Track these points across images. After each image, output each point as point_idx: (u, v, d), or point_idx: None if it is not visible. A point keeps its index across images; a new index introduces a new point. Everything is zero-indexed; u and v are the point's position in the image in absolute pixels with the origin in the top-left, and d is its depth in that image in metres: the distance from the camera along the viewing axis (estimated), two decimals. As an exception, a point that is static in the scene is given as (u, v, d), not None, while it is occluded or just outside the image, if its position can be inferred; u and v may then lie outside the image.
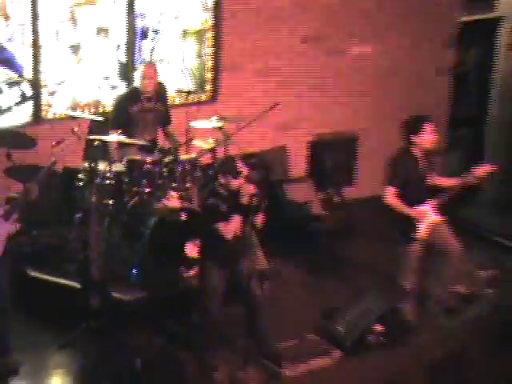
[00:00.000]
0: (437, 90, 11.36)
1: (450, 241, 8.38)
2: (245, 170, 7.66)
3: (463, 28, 11.56)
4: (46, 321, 8.14)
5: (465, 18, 11.59)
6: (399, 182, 8.17)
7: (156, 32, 10.02)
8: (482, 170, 8.40)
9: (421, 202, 8.24)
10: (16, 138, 8.69)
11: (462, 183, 8.37)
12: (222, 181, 7.78)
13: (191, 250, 8.29)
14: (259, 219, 7.80)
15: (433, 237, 8.32)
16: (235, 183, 7.65)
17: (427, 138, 8.20)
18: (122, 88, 9.81)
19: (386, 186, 8.21)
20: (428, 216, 8.26)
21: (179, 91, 10.14)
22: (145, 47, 9.97)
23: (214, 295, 7.72)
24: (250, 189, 7.66)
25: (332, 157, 10.91)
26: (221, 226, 7.59)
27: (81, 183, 8.66)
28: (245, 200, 7.59)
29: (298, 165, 10.80)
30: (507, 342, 8.52)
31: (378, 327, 8.06)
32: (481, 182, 8.51)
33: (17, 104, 9.34)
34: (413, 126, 8.27)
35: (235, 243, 7.65)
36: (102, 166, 8.58)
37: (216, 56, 10.29)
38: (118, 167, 8.67)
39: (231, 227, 7.59)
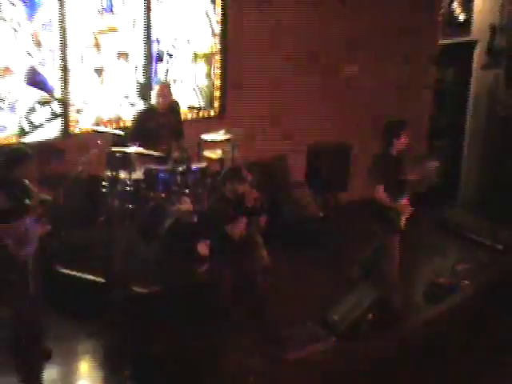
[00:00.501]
0: (420, 102, 11.34)
1: None
2: (249, 177, 7.67)
3: (443, 49, 11.54)
4: (74, 312, 8.14)
5: (444, 41, 11.58)
6: (384, 179, 8.18)
7: (170, 55, 10.02)
8: (432, 165, 8.46)
9: (400, 197, 8.25)
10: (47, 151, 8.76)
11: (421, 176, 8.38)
12: (229, 186, 7.79)
13: (202, 248, 8.30)
14: (262, 221, 7.81)
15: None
16: (241, 188, 7.66)
17: (404, 140, 8.24)
18: (140, 105, 9.79)
19: (374, 183, 8.21)
20: (407, 209, 8.28)
21: (191, 108, 10.15)
22: (160, 69, 9.96)
23: (223, 289, 7.74)
24: (254, 193, 7.68)
25: (328, 164, 10.87)
26: (228, 227, 7.60)
27: (104, 190, 8.70)
28: (249, 203, 7.60)
29: (298, 171, 10.78)
30: (481, 326, 8.56)
31: (369, 315, 8.03)
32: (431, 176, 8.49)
33: (48, 120, 9.34)
34: (394, 128, 8.31)
35: (241, 242, 7.66)
36: (122, 174, 8.62)
37: (223, 76, 10.28)
38: (137, 175, 8.68)
39: (237, 228, 7.60)
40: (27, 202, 7.24)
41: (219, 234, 7.72)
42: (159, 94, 9.22)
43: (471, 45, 12.13)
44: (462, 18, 11.88)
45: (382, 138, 8.36)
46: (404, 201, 8.26)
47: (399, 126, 8.35)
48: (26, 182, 7.38)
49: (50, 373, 7.45)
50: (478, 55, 12.18)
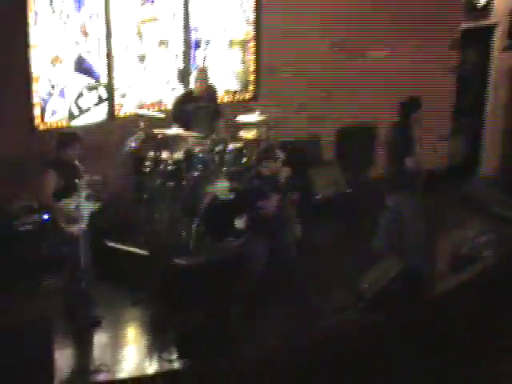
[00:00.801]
0: (444, 84, 11.23)
1: None
2: (281, 156, 7.69)
3: (464, 33, 11.43)
4: (121, 283, 8.23)
5: (465, 25, 11.46)
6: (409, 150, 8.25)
7: (207, 43, 10.01)
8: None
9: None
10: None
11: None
12: (263, 165, 7.81)
13: (239, 223, 8.34)
14: (295, 196, 7.83)
15: None
16: (274, 166, 7.68)
17: (419, 115, 8.33)
18: (179, 90, 9.82)
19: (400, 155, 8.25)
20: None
21: (227, 91, 10.14)
22: (198, 55, 9.96)
23: (257, 260, 7.77)
24: (287, 171, 7.70)
25: (356, 143, 10.85)
26: (263, 203, 7.63)
27: (148, 169, 8.75)
28: (282, 180, 7.63)
29: (329, 150, 10.76)
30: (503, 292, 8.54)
31: (395, 284, 8.01)
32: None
33: (95, 105, 9.40)
34: (413, 104, 8.40)
35: (274, 217, 7.68)
36: (164, 154, 8.66)
37: (257, 62, 10.27)
38: (178, 155, 8.69)
39: (271, 204, 7.63)
40: (77, 181, 7.32)
41: (254, 209, 7.74)
42: (197, 79, 9.25)
43: (492, 28, 11.97)
44: (482, 1, 11.72)
45: (400, 113, 8.44)
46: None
47: (416, 102, 8.44)
48: (77, 162, 7.46)
49: (100, 338, 7.55)
50: (499, 38, 12.02)
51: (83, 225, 7.37)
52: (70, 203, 7.29)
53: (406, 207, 8.54)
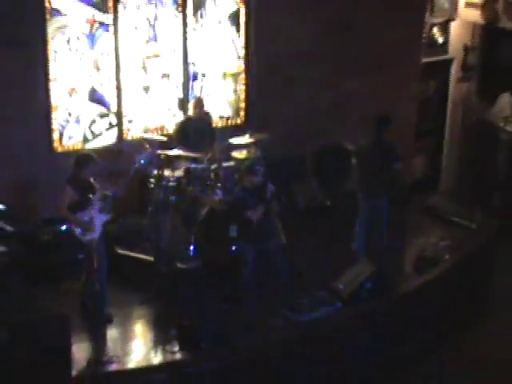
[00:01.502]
0: (408, 110, 11.26)
1: None
2: (262, 170, 7.68)
3: (425, 66, 11.47)
4: (129, 284, 8.19)
5: (426, 59, 11.51)
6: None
7: (204, 75, 9.99)
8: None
9: None
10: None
11: None
12: (246, 178, 7.80)
13: (233, 231, 8.30)
14: (276, 207, 7.80)
15: None
16: (255, 180, 7.67)
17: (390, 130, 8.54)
18: (179, 116, 9.80)
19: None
20: None
21: (221, 117, 10.12)
22: (196, 86, 9.94)
23: (248, 264, 7.74)
24: (270, 186, 7.70)
25: (333, 161, 10.81)
26: (248, 212, 7.62)
27: (152, 185, 8.71)
28: (266, 194, 7.63)
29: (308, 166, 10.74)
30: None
31: (368, 284, 7.98)
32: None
33: (106, 130, 9.38)
34: (386, 120, 8.56)
35: (260, 225, 7.66)
36: (167, 172, 8.63)
37: (247, 91, 10.25)
38: (179, 173, 8.67)
39: (255, 214, 7.62)
40: (91, 196, 7.29)
41: (241, 218, 7.72)
42: (195, 107, 9.23)
43: (449, 62, 12.03)
44: (440, 40, 11.78)
45: (374, 128, 8.55)
46: None
47: (387, 119, 8.59)
48: (92, 180, 7.43)
49: (111, 333, 7.53)
50: (454, 70, 12.08)
51: (97, 234, 7.33)
52: (84, 215, 7.26)
53: (380, 213, 8.59)
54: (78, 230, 7.28)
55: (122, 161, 8.92)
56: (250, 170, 7.76)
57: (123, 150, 9.19)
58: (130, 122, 9.50)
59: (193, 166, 8.74)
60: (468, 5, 11.41)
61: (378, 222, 8.76)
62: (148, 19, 9.37)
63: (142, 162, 7.85)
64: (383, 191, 8.67)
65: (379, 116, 8.66)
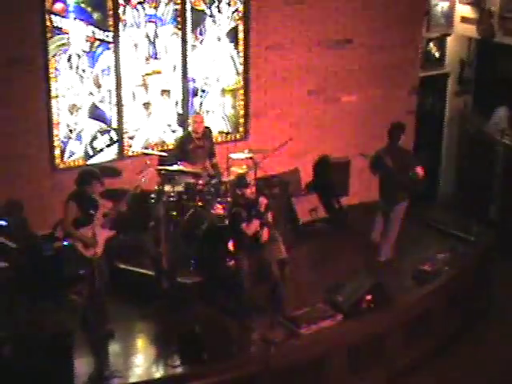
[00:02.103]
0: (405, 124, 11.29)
1: None
2: (252, 182, 7.72)
3: (422, 80, 11.53)
4: (131, 299, 8.18)
5: (423, 74, 11.57)
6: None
7: (203, 91, 10.04)
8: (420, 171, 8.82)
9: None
10: (107, 170, 8.81)
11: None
12: (238, 191, 7.85)
13: (232, 246, 8.32)
14: (271, 218, 7.82)
15: None
16: (247, 192, 7.71)
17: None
18: (179, 132, 9.85)
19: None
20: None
21: (221, 132, 10.15)
22: (195, 102, 9.99)
23: (246, 277, 7.76)
24: (264, 200, 7.74)
25: (332, 175, 10.85)
26: (243, 226, 7.66)
27: (153, 200, 8.72)
28: (262, 209, 7.67)
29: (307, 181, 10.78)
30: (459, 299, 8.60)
31: (368, 296, 8.01)
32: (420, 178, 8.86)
33: (107, 146, 9.42)
34: (402, 128, 8.83)
35: (256, 238, 7.69)
36: (167, 187, 8.63)
37: (246, 106, 10.29)
38: (179, 188, 8.68)
39: (251, 227, 7.66)
40: (93, 212, 7.31)
41: (237, 231, 7.75)
42: (194, 122, 9.26)
43: (445, 76, 12.10)
44: (437, 54, 11.83)
45: (390, 136, 8.81)
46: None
47: (403, 127, 8.89)
48: (94, 196, 7.44)
49: (113, 347, 7.52)
50: (451, 84, 12.14)
51: (99, 249, 7.35)
52: (86, 231, 7.29)
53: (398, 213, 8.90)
54: (79, 246, 7.30)
55: (124, 176, 8.97)
56: (241, 182, 7.83)
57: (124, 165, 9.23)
58: (130, 138, 9.54)
59: (193, 181, 8.75)
60: (464, 20, 11.48)
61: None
62: (148, 37, 9.43)
63: (143, 179, 7.84)
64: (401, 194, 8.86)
65: (395, 123, 8.91)
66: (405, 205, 8.99)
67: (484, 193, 11.38)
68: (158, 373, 7.14)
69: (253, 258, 7.79)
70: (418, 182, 8.83)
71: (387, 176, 8.78)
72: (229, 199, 8.67)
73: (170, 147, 9.68)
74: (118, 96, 9.28)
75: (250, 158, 9.23)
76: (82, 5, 8.85)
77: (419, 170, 8.81)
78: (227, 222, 8.37)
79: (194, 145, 9.09)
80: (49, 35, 8.67)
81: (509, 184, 11.04)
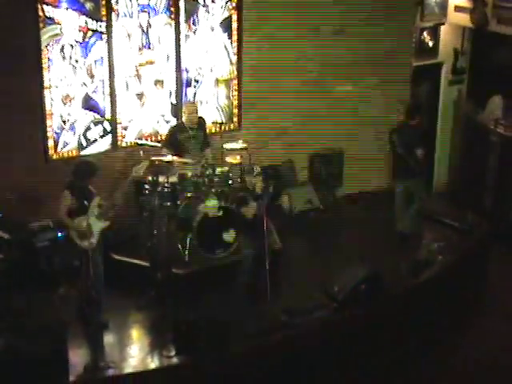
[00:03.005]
0: (399, 114, 11.28)
1: None
2: (258, 169, 7.81)
3: (416, 70, 11.52)
4: (126, 290, 8.17)
5: (416, 63, 11.55)
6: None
7: (197, 81, 10.00)
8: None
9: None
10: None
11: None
12: (247, 179, 7.93)
13: (227, 236, 8.33)
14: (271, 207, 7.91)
15: None
16: (254, 179, 7.79)
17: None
18: (173, 122, 9.81)
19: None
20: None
21: (214, 123, 10.09)
22: (189, 92, 9.93)
23: (247, 258, 7.77)
24: (262, 186, 7.80)
25: (325, 165, 10.85)
26: (243, 209, 7.73)
27: (147, 191, 8.71)
28: (259, 191, 7.73)
29: (302, 172, 10.78)
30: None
31: (362, 286, 8.00)
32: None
33: (100, 137, 9.38)
34: (418, 107, 9.29)
35: (254, 221, 7.70)
36: (161, 178, 8.61)
37: (239, 97, 10.26)
38: (173, 179, 8.67)
39: (250, 210, 7.72)
40: (89, 203, 7.30)
41: (239, 215, 7.81)
42: (188, 113, 9.23)
43: (439, 66, 12.09)
44: (431, 44, 11.82)
45: (407, 114, 9.16)
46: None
47: (420, 106, 9.32)
48: (91, 187, 7.44)
49: (107, 338, 7.53)
50: (445, 74, 12.13)
51: (94, 240, 7.33)
52: (82, 221, 7.27)
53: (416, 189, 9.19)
54: (74, 236, 7.28)
55: (117, 167, 8.95)
56: (250, 170, 7.92)
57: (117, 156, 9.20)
58: (124, 128, 9.50)
59: (187, 172, 8.73)
60: (457, 9, 11.45)
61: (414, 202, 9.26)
62: (141, 27, 9.37)
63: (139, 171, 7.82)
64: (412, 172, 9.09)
65: (412, 103, 9.35)
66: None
67: (479, 182, 11.39)
68: (153, 363, 7.14)
69: (253, 240, 7.81)
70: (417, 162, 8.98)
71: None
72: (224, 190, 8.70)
73: (164, 138, 9.61)
74: (111, 86, 9.23)
75: (244, 148, 9.21)
76: (75, -5, 8.81)
77: (418, 152, 8.95)
78: (223, 212, 8.39)
79: (188, 135, 9.07)
80: (41, 25, 8.61)
81: (503, 173, 11.05)
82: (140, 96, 9.57)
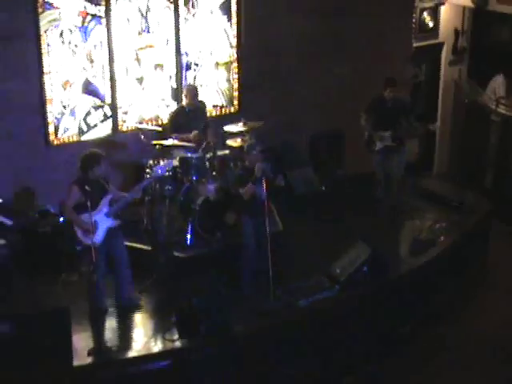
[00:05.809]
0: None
1: None
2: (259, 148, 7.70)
3: (416, 50, 11.38)
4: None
5: (416, 44, 11.42)
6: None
7: (197, 65, 9.90)
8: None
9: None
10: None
11: None
12: (248, 157, 7.84)
13: (228, 219, 8.25)
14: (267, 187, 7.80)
15: None
16: (256, 157, 7.70)
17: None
18: (173, 106, 9.71)
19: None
20: None
21: (215, 106, 10.02)
22: (189, 76, 9.84)
23: (250, 238, 7.76)
24: (261, 167, 7.69)
25: (326, 146, 10.75)
26: (241, 190, 7.65)
27: (148, 175, 8.59)
28: (258, 173, 7.64)
29: (303, 153, 10.66)
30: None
31: (365, 267, 7.90)
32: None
33: (101, 121, 9.29)
34: (389, 81, 9.20)
35: (253, 200, 7.71)
36: (162, 162, 8.49)
37: (240, 80, 10.15)
38: (174, 162, 8.54)
39: (248, 190, 7.63)
40: (99, 199, 7.14)
41: (238, 195, 7.79)
42: (188, 96, 9.12)
43: (439, 46, 11.95)
44: (431, 24, 11.69)
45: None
46: None
47: (392, 80, 9.22)
48: (101, 180, 7.24)
49: (110, 322, 7.47)
50: (445, 54, 12.00)
51: (98, 238, 7.15)
52: (88, 218, 7.01)
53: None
54: (79, 233, 7.13)
55: (118, 152, 8.86)
56: (252, 147, 7.83)
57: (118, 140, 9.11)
58: (124, 113, 9.42)
59: (188, 155, 8.64)
60: (457, -12, 11.33)
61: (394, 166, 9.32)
62: (140, 10, 9.27)
63: (160, 171, 7.67)
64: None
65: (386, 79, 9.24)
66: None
67: (479, 161, 11.29)
68: (156, 347, 7.08)
69: (254, 220, 7.77)
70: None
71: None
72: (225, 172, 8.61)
73: (165, 122, 9.53)
74: (111, 71, 9.16)
75: (246, 131, 9.09)
76: (73, -21, 8.68)
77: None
78: (224, 195, 8.33)
79: (188, 118, 8.96)
80: (40, 10, 8.50)
81: (504, 153, 10.96)
82: (140, 80, 9.49)
